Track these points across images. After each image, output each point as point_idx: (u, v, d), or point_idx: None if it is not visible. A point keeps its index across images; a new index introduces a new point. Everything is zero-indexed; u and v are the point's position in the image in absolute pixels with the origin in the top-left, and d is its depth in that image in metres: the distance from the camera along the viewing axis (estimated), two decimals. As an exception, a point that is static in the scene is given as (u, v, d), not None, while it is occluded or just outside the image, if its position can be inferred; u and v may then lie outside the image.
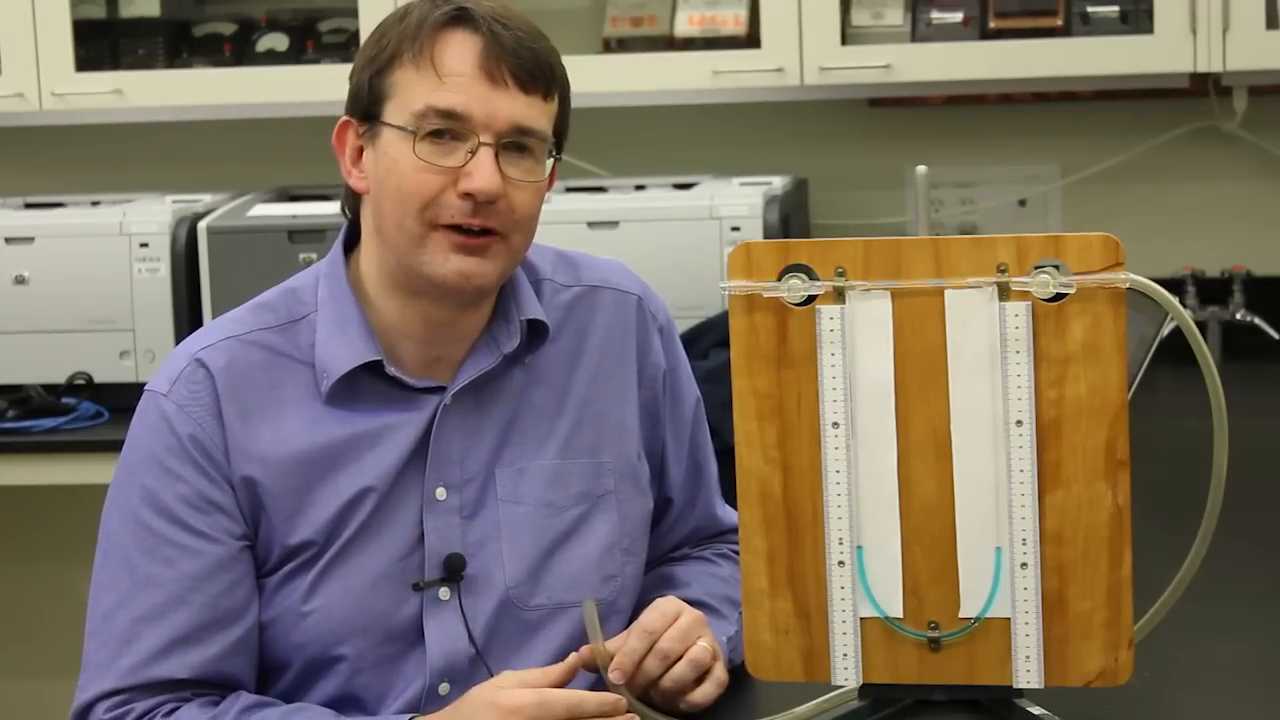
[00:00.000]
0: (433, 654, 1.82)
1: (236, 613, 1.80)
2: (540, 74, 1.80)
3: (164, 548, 1.79)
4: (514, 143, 1.80)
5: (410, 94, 1.79)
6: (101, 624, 1.80)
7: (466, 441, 1.86)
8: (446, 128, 1.78)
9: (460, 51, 1.79)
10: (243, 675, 1.81)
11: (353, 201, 1.89)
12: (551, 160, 1.84)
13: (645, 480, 1.96)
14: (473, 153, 1.78)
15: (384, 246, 1.83)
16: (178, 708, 1.77)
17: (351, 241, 1.90)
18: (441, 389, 1.86)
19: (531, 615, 1.86)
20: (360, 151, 1.84)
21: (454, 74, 1.78)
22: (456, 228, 1.79)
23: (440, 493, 1.84)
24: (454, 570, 1.83)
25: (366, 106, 1.82)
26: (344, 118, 1.86)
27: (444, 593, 1.83)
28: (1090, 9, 3.43)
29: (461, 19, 1.80)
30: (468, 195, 1.78)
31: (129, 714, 1.76)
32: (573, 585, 1.87)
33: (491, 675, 1.79)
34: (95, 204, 3.60)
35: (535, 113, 1.80)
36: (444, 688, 1.82)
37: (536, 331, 1.90)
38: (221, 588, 1.80)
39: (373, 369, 1.84)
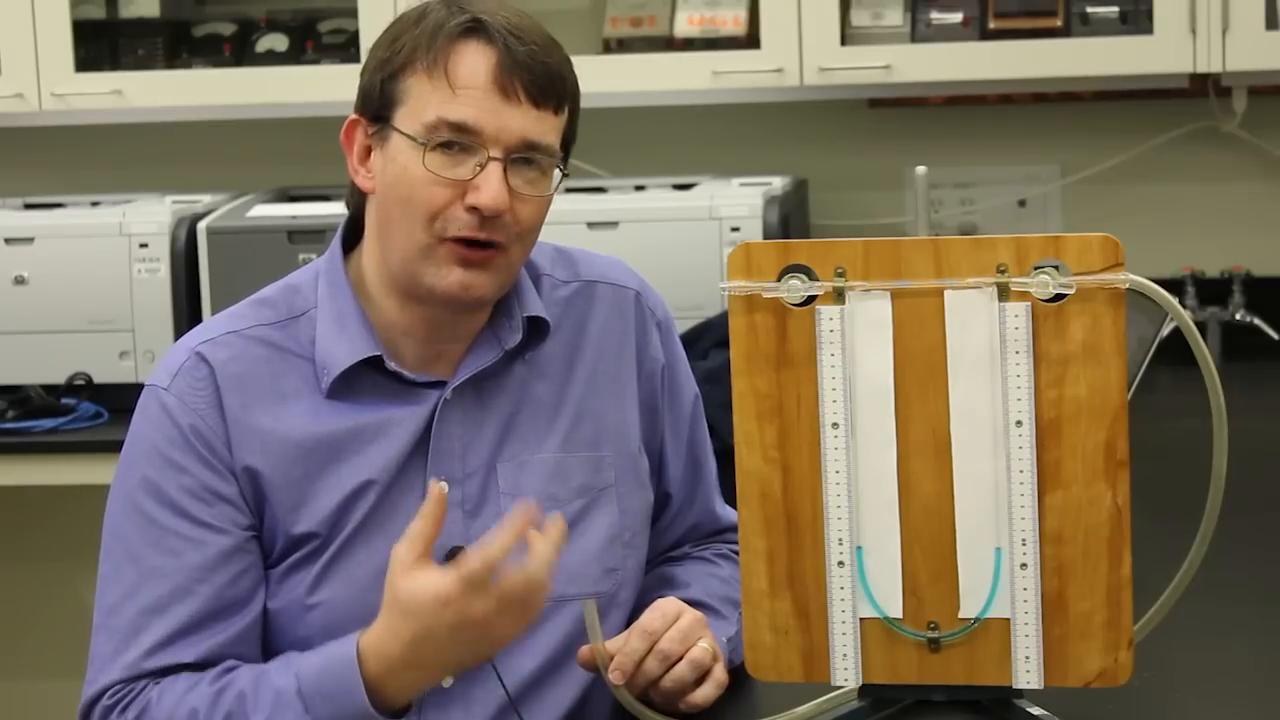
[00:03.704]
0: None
1: (242, 602, 1.80)
2: (552, 88, 1.81)
3: (169, 539, 1.79)
4: (522, 157, 1.80)
5: (422, 103, 1.79)
6: (108, 617, 1.80)
7: (468, 436, 1.86)
8: (456, 140, 1.78)
9: (474, 64, 1.78)
10: (246, 661, 1.80)
11: (357, 198, 1.89)
12: (558, 174, 1.84)
13: (645, 474, 1.96)
14: (481, 166, 1.78)
15: (387, 249, 1.83)
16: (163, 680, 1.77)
17: (351, 237, 1.91)
18: (442, 383, 1.86)
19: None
20: (368, 151, 1.85)
21: (467, 86, 1.78)
22: (461, 240, 1.79)
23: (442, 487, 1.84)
24: None
25: (377, 108, 1.82)
26: (353, 116, 1.86)
27: (446, 586, 1.83)
28: (1090, 9, 3.43)
29: (477, 30, 1.79)
30: (474, 209, 1.78)
31: (130, 693, 1.77)
32: (574, 578, 1.86)
33: (495, 669, 1.80)
34: (95, 204, 3.59)
35: (545, 127, 1.80)
36: (447, 680, 1.81)
37: (537, 328, 1.90)
38: (228, 578, 1.80)
39: (373, 364, 1.84)
